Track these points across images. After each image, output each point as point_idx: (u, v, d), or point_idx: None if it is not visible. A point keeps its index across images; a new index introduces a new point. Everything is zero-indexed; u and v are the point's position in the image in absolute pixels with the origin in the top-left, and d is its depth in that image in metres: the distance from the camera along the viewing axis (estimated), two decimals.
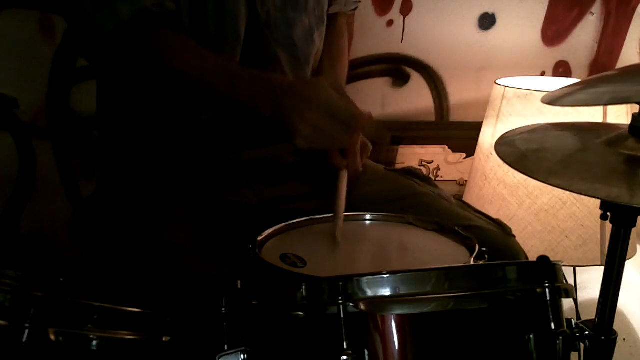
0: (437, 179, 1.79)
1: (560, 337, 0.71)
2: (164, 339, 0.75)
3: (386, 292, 0.67)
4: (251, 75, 1.00)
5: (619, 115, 1.42)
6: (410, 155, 1.77)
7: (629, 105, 1.37)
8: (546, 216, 1.44)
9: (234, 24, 1.05)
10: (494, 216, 1.16)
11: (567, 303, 0.80)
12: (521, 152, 0.85)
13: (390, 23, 1.67)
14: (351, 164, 1.05)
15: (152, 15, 0.99)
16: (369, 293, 0.67)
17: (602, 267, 0.84)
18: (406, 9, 1.66)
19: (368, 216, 1.05)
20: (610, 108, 1.41)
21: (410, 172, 1.24)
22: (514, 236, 1.13)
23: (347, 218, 1.03)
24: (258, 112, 0.96)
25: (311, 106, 0.92)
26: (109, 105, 1.20)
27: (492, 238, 1.05)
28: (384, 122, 1.71)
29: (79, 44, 1.14)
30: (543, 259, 0.73)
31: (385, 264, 0.97)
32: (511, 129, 0.94)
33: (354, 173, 1.06)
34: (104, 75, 1.20)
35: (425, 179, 1.24)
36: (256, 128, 1.10)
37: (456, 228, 0.96)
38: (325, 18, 1.22)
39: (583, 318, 0.89)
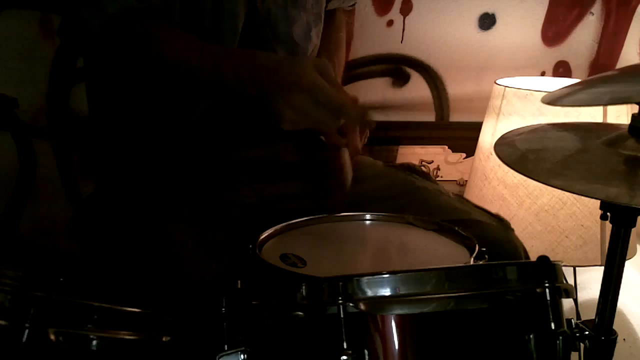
0: (437, 179, 1.80)
1: (560, 337, 0.71)
2: (164, 339, 0.75)
3: (386, 292, 0.67)
4: (235, 55, 1.00)
5: (619, 115, 1.42)
6: (410, 155, 1.77)
7: (629, 105, 1.36)
8: (546, 216, 1.44)
9: (232, 21, 1.06)
10: None
11: (567, 303, 0.80)
12: (521, 152, 0.85)
13: (390, 23, 1.67)
14: (351, 142, 1.05)
15: (137, 10, 1.00)
16: (369, 293, 0.67)
17: (602, 267, 0.84)
18: (406, 9, 1.66)
19: (368, 216, 1.05)
20: (610, 108, 1.41)
21: (409, 168, 1.24)
22: (513, 229, 1.13)
23: (347, 218, 1.04)
24: (243, 91, 0.96)
25: (296, 89, 0.91)
26: (101, 105, 1.20)
27: (491, 232, 1.06)
28: (384, 122, 1.71)
29: (70, 38, 1.15)
30: (543, 259, 0.73)
31: (385, 264, 0.97)
32: (511, 129, 0.94)
33: (354, 151, 1.05)
34: (93, 74, 1.20)
35: (424, 175, 1.24)
36: (255, 127, 1.10)
37: (456, 228, 0.96)
38: (323, 15, 1.22)
39: (583, 318, 0.89)
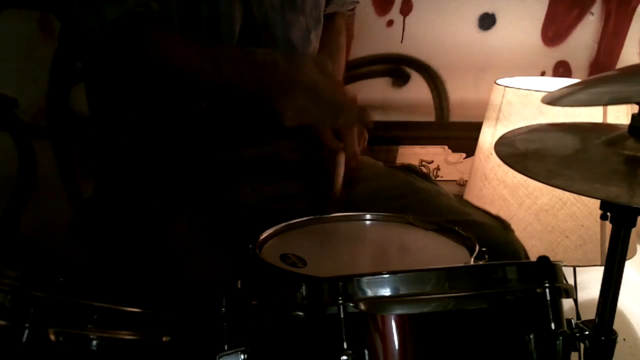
0: (437, 179, 1.79)
1: (560, 337, 0.71)
2: (164, 339, 0.75)
3: (386, 292, 0.67)
4: (234, 54, 1.01)
5: (619, 115, 1.42)
6: (410, 155, 1.77)
7: (629, 105, 1.36)
8: (546, 216, 1.44)
9: (229, 25, 1.06)
10: None
11: (567, 303, 0.80)
12: (521, 152, 0.85)
13: (390, 23, 1.67)
14: (348, 146, 1.05)
15: (138, 15, 1.00)
16: (369, 293, 0.67)
17: (602, 267, 0.84)
18: (406, 9, 1.66)
19: (368, 216, 1.04)
20: (610, 108, 1.41)
21: (409, 169, 1.24)
22: (513, 230, 1.13)
23: (347, 218, 1.04)
24: (244, 90, 0.97)
25: (295, 87, 0.93)
26: (101, 105, 1.20)
27: (491, 233, 1.06)
28: (384, 122, 1.71)
29: (70, 43, 1.16)
30: (543, 259, 0.73)
31: (385, 264, 0.97)
32: (511, 129, 0.94)
33: (352, 155, 1.06)
34: (93, 74, 1.21)
35: (424, 176, 1.24)
36: (256, 125, 1.10)
37: (456, 228, 0.96)
38: (322, 18, 1.22)
39: (583, 318, 0.89)
